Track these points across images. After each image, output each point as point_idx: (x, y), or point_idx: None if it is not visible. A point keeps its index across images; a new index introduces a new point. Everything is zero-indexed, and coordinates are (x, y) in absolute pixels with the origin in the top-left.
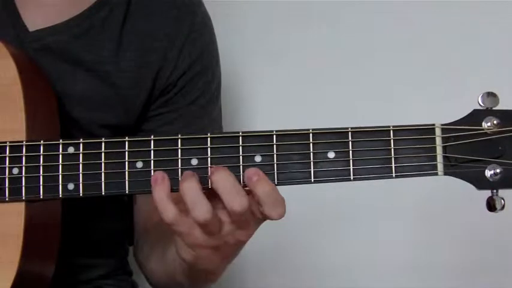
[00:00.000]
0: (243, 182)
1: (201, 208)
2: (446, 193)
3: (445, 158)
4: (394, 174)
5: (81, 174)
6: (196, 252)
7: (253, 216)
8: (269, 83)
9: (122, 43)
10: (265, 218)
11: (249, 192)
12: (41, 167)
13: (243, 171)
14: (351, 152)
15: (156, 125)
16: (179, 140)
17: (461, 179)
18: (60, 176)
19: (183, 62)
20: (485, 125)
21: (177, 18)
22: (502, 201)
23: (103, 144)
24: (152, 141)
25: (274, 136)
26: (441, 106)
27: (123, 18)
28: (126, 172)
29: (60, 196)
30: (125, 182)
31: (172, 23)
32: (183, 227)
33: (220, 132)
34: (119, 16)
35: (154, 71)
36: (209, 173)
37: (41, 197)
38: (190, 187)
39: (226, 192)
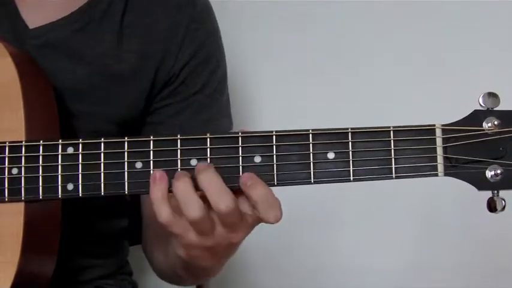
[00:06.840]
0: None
1: (192, 206)
2: (446, 194)
3: (445, 158)
4: (394, 175)
5: (80, 175)
6: (191, 252)
7: (244, 221)
8: (269, 84)
9: (122, 35)
10: (260, 221)
11: (238, 195)
12: (40, 168)
13: (243, 172)
14: (350, 152)
15: (164, 116)
16: (178, 140)
17: (462, 179)
18: (60, 176)
19: (184, 52)
20: (486, 125)
21: (177, 9)
22: (503, 202)
23: (102, 144)
24: (152, 142)
25: (274, 136)
26: (441, 106)
27: (122, 10)
28: (126, 172)
29: (60, 196)
30: (124, 182)
31: (173, 14)
32: (177, 228)
33: (219, 132)
34: (119, 8)
35: (156, 62)
36: (195, 172)
37: (41, 197)
38: (182, 185)
39: (212, 192)
